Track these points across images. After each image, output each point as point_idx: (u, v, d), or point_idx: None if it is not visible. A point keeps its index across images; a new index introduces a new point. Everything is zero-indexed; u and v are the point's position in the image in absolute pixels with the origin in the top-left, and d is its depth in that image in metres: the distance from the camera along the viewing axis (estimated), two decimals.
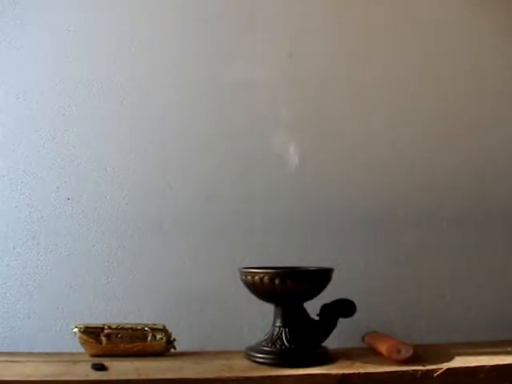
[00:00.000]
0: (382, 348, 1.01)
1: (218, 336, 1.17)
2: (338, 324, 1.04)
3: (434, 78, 1.30)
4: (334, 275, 1.04)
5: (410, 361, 0.96)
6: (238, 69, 1.24)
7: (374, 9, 1.31)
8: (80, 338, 1.04)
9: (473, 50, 1.33)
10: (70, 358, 1.02)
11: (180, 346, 1.07)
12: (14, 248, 1.17)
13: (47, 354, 1.08)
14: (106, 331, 1.04)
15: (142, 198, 1.21)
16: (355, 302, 1.05)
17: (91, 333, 1.04)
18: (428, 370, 0.91)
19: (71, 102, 1.22)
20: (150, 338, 1.05)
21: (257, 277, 0.99)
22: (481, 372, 0.91)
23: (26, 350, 1.11)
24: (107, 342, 1.04)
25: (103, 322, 1.06)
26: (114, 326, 1.05)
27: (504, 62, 1.33)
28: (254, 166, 1.22)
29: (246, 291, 1.05)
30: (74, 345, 1.05)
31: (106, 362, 0.96)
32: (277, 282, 0.98)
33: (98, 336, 1.04)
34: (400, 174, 1.27)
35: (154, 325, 1.06)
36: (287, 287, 0.98)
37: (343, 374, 0.90)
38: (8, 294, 1.15)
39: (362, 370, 0.91)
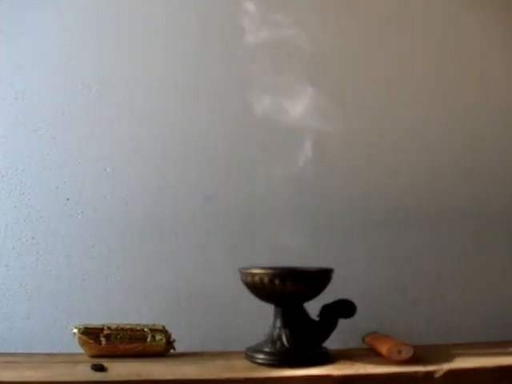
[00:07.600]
0: (383, 349, 1.01)
1: (218, 336, 1.17)
2: (339, 324, 1.04)
3: (436, 79, 1.30)
4: (334, 275, 1.04)
5: (411, 361, 0.95)
6: (239, 69, 1.24)
7: (375, 9, 1.31)
8: (79, 338, 1.03)
9: (474, 51, 1.32)
10: (70, 358, 1.02)
11: (180, 347, 1.07)
12: (13, 248, 1.17)
13: (46, 354, 1.08)
14: (105, 332, 1.04)
15: (142, 198, 1.21)
16: (355, 302, 1.04)
17: (91, 333, 1.03)
18: (428, 371, 0.91)
19: (71, 102, 1.22)
20: (149, 338, 1.04)
21: (257, 277, 0.99)
22: (482, 373, 0.91)
23: (26, 351, 1.11)
24: (107, 342, 1.03)
25: (103, 323, 1.05)
26: (113, 327, 1.04)
27: (506, 64, 1.32)
28: (254, 166, 1.22)
29: (246, 291, 1.05)
30: (74, 345, 1.05)
31: (106, 362, 0.96)
32: (277, 282, 0.97)
33: (98, 337, 1.03)
34: (400, 174, 1.27)
35: (154, 325, 1.06)
36: (287, 287, 0.98)
37: (343, 375, 0.90)
38: (7, 295, 1.15)
39: (362, 371, 0.91)
